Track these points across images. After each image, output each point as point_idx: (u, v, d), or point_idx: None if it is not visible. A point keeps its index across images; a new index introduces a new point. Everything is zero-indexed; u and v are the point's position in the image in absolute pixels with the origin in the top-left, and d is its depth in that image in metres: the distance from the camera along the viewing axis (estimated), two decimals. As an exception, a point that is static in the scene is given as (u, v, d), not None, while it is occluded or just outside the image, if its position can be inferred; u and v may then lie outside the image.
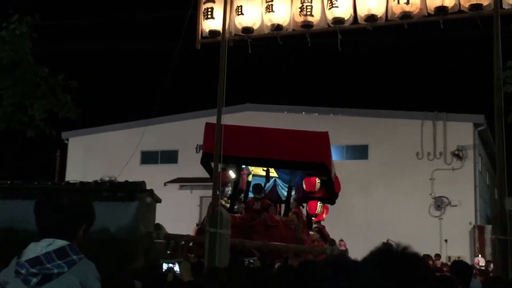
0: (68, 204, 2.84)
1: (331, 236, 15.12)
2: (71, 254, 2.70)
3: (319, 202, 13.39)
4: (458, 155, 23.84)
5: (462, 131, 24.04)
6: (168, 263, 5.69)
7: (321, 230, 13.73)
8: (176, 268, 5.58)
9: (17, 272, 2.66)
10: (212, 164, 11.74)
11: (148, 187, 10.79)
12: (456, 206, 23.38)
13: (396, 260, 1.76)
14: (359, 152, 25.34)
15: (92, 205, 2.94)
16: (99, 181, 10.83)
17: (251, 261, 8.04)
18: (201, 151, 25.41)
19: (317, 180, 12.66)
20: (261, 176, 13.97)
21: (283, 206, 13.99)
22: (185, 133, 26.36)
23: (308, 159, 12.17)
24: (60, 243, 2.72)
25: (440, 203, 23.43)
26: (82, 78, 12.59)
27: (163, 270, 5.58)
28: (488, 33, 10.24)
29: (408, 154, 24.18)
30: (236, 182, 13.10)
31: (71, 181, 11.76)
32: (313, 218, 13.89)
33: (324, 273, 2.31)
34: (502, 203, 9.52)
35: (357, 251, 15.63)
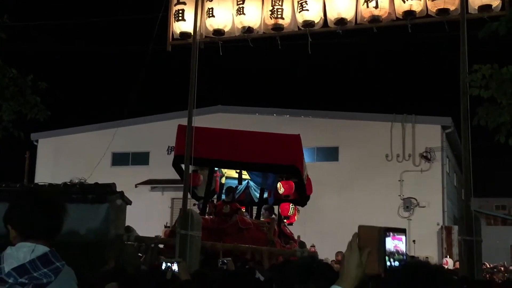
0: (53, 203, 2.77)
1: (302, 238, 15.24)
2: (55, 261, 2.64)
3: (291, 204, 13.45)
4: (426, 157, 24.21)
5: (430, 133, 24.42)
6: (167, 262, 5.87)
7: (283, 230, 13.79)
8: (175, 267, 5.76)
9: (2, 280, 2.56)
10: (183, 166, 11.73)
11: (119, 189, 10.73)
12: (424, 207, 23.74)
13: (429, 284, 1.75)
14: (330, 154, 25.55)
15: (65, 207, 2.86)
16: (68, 183, 10.74)
17: (225, 261, 8.04)
18: (172, 152, 25.43)
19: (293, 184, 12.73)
20: (234, 178, 13.99)
21: (255, 208, 14.01)
22: (157, 134, 26.27)
23: (279, 162, 12.21)
24: (41, 249, 2.64)
25: (409, 204, 23.76)
26: (52, 79, 12.49)
27: (162, 268, 5.76)
28: (454, 36, 10.45)
29: (378, 155, 24.46)
30: (209, 184, 13.09)
31: (40, 183, 11.63)
32: (285, 221, 13.95)
33: (296, 276, 2.37)
34: (467, 204, 9.71)
35: (328, 251, 15.80)
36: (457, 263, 15.42)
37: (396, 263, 2.12)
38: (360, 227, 2.25)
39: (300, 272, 2.42)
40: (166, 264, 5.94)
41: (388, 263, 2.11)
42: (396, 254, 2.14)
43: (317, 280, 2.37)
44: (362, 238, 2.19)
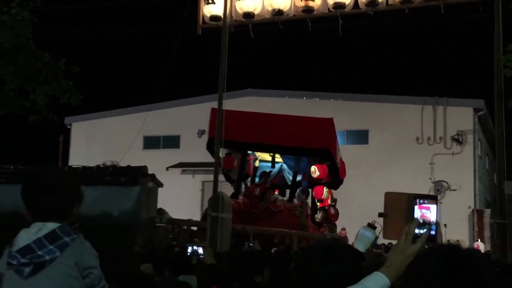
0: (57, 184, 2.72)
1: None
2: (63, 236, 2.59)
3: (325, 187, 13.44)
4: (458, 139, 23.90)
5: (462, 116, 24.07)
6: (193, 246, 6.00)
7: (327, 212, 13.77)
8: (200, 251, 5.90)
9: (9, 264, 2.56)
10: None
11: (150, 172, 10.86)
12: (455, 190, 23.48)
13: (463, 269, 1.66)
14: (360, 137, 25.40)
15: (78, 183, 2.84)
16: (101, 166, 10.90)
17: (251, 244, 8.11)
18: (203, 136, 25.63)
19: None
20: (267, 161, 14.01)
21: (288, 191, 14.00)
22: (187, 118, 26.42)
23: (312, 145, 12.20)
24: (50, 226, 2.61)
25: (439, 188, 23.52)
26: (84, 63, 12.63)
27: (188, 253, 5.89)
28: (488, 17, 10.25)
29: (408, 139, 24.23)
30: (242, 167, 13.13)
31: (73, 166, 11.83)
32: (318, 203, 13.95)
33: (318, 257, 2.37)
34: (501, 187, 9.61)
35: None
36: (489, 246, 15.28)
37: (422, 231, 2.03)
38: (386, 193, 2.20)
39: (321, 253, 2.40)
40: (192, 249, 6.03)
41: (416, 231, 2.03)
42: (422, 224, 2.05)
43: (339, 263, 2.34)
44: (388, 204, 2.15)
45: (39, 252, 2.53)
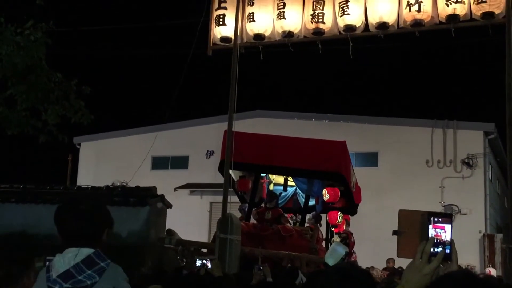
0: (89, 210, 2.81)
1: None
2: (99, 262, 2.69)
3: (339, 212, 13.26)
4: (468, 163, 23.76)
5: (472, 139, 23.96)
6: (201, 259, 6.16)
7: (348, 237, 13.58)
8: (209, 265, 6.06)
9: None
10: (231, 171, 11.77)
11: (159, 192, 10.85)
12: (466, 214, 23.27)
13: None
14: (369, 159, 25.31)
15: (108, 210, 2.93)
16: (110, 186, 10.91)
17: (261, 267, 8.05)
18: (211, 156, 25.60)
19: (339, 191, 12.58)
20: (282, 185, 13.92)
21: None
22: (196, 138, 26.47)
23: (324, 168, 12.08)
24: (85, 251, 2.70)
25: (450, 211, 23.33)
26: (95, 84, 12.70)
27: (197, 265, 6.05)
28: (499, 40, 10.24)
29: (418, 161, 24.12)
30: (254, 189, 13.06)
31: (82, 186, 11.85)
32: (333, 229, 13.80)
33: (332, 280, 2.35)
34: (512, 211, 9.50)
35: (368, 258, 15.64)
36: (501, 271, 15.08)
37: (438, 249, 2.03)
38: (400, 210, 2.19)
39: (337, 276, 2.39)
40: (201, 262, 6.18)
41: (431, 250, 2.03)
42: (437, 243, 2.05)
43: (355, 286, 2.33)
44: (402, 222, 2.13)
45: (79, 277, 2.63)
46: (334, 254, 5.79)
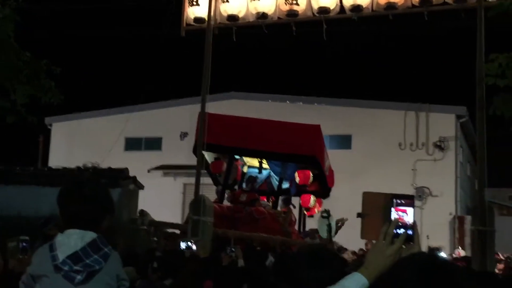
0: (93, 194, 2.80)
1: (313, 227, 15.15)
2: (103, 247, 2.71)
3: (312, 196, 13.34)
4: (440, 146, 24.06)
5: (444, 123, 24.24)
6: (186, 241, 6.13)
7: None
8: (194, 247, 6.04)
9: (57, 268, 2.62)
10: (205, 153, 11.71)
11: (131, 174, 10.78)
12: (437, 196, 23.62)
13: (439, 280, 1.67)
14: (343, 142, 25.45)
15: (111, 196, 2.93)
16: (82, 167, 10.81)
17: (233, 249, 8.07)
18: (185, 138, 25.48)
19: (311, 174, 12.63)
20: (256, 167, 13.91)
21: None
22: (170, 120, 26.31)
23: (299, 152, 12.11)
24: (90, 235, 2.70)
25: (421, 193, 23.64)
26: (66, 64, 12.52)
27: (182, 248, 6.00)
28: (471, 25, 10.33)
29: (391, 144, 24.34)
30: (227, 172, 13.03)
31: (54, 167, 11.71)
32: (305, 212, 13.86)
33: (304, 262, 2.37)
34: (481, 194, 9.65)
35: (340, 239, 15.68)
36: (470, 253, 15.33)
37: (400, 231, 2.04)
38: (364, 193, 2.20)
39: (307, 258, 2.41)
40: (186, 243, 6.17)
41: (394, 231, 2.04)
42: (400, 224, 2.06)
43: (325, 267, 2.35)
44: (366, 204, 2.15)
45: (87, 261, 2.65)
46: (322, 229, 5.88)
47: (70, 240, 2.67)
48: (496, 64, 8.76)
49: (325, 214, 11.87)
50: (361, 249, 14.52)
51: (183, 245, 6.09)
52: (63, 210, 2.78)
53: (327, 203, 15.51)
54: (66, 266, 2.61)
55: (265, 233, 11.33)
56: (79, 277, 2.62)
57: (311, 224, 14.31)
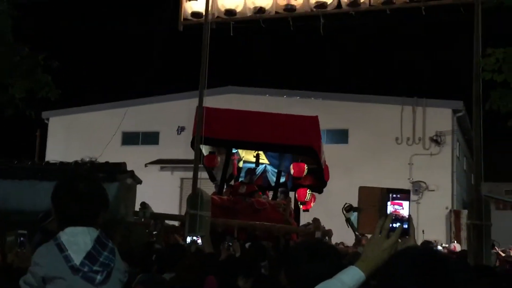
0: (89, 191, 2.76)
1: (308, 220, 15.20)
2: (106, 242, 2.69)
3: (308, 190, 13.38)
4: (436, 140, 24.12)
5: (441, 117, 24.28)
6: (192, 236, 6.19)
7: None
8: (199, 241, 6.07)
9: (74, 269, 2.57)
10: (202, 147, 11.73)
11: (129, 168, 10.78)
12: (433, 190, 23.69)
13: (434, 272, 1.71)
14: (340, 136, 25.49)
15: (106, 191, 2.89)
16: (79, 162, 10.80)
17: (230, 244, 8.10)
18: (182, 132, 25.48)
19: (306, 167, 12.68)
20: (251, 162, 13.93)
21: (271, 193, 13.93)
22: (167, 114, 26.29)
23: (296, 142, 12.16)
24: (93, 231, 2.68)
25: (418, 188, 23.70)
26: (64, 58, 12.49)
27: (187, 242, 6.05)
28: (468, 20, 10.35)
29: (388, 138, 24.39)
30: (226, 165, 13.06)
31: (51, 161, 11.70)
32: (301, 206, 13.90)
33: (302, 257, 2.40)
34: (478, 188, 9.69)
35: (336, 233, 15.75)
36: (466, 247, 15.37)
37: (396, 225, 2.08)
38: (360, 187, 2.23)
39: (305, 253, 2.44)
40: (191, 238, 6.22)
41: (390, 225, 2.08)
42: (396, 218, 2.10)
43: (322, 261, 2.39)
44: (362, 199, 2.18)
45: (101, 259, 2.62)
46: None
47: (78, 239, 2.62)
48: (493, 59, 8.77)
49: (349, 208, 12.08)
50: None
51: (188, 239, 6.14)
52: (58, 208, 2.73)
53: (324, 198, 15.56)
54: (86, 267, 2.58)
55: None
56: (99, 277, 2.60)
57: (306, 218, 14.35)
